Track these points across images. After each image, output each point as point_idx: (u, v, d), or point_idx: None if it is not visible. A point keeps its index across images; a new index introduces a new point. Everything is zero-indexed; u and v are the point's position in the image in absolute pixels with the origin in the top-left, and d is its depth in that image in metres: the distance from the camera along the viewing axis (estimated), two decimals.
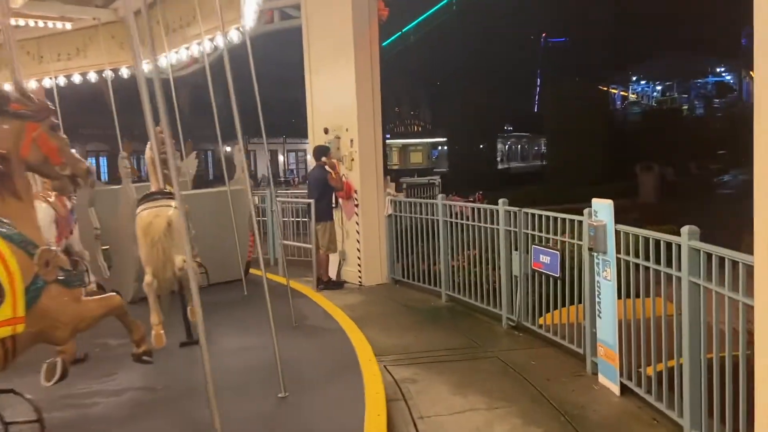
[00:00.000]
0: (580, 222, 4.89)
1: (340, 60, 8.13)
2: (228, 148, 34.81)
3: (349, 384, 4.15)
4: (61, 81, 9.44)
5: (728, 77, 61.28)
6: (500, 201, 5.98)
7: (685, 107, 52.62)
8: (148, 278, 4.08)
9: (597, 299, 4.52)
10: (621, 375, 4.33)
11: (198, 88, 28.68)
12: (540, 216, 5.44)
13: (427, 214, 7.41)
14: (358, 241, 8.18)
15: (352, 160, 8.17)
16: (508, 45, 61.01)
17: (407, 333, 5.94)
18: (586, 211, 4.76)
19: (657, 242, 3.97)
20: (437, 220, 7.17)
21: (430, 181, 22.73)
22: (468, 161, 24.22)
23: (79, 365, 4.16)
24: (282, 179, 39.92)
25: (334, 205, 8.47)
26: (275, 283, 7.42)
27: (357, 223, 8.17)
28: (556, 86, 24.14)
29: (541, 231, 5.42)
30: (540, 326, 5.53)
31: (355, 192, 8.15)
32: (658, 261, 3.94)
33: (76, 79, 9.42)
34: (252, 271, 7.65)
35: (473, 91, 25.05)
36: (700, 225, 3.70)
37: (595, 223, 4.37)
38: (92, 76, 9.32)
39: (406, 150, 55.94)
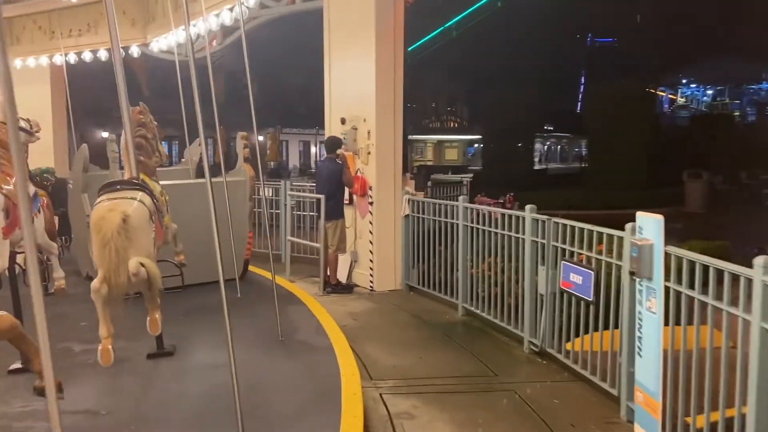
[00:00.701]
0: (621, 238, 4.07)
1: (361, 45, 7.43)
2: (261, 137, 34.61)
3: (321, 425, 3.44)
4: (72, 58, 8.97)
5: None
6: (527, 207, 5.19)
7: (737, 113, 50.15)
8: (96, 283, 3.46)
9: (638, 334, 3.71)
10: (664, 429, 3.53)
11: (225, 72, 28.40)
12: (573, 227, 4.64)
13: (446, 217, 6.65)
14: (371, 243, 7.47)
15: (369, 153, 7.45)
16: (552, 44, 59.27)
17: (413, 351, 5.20)
18: (628, 226, 3.94)
19: (713, 269, 3.15)
20: (457, 225, 6.42)
21: (463, 178, 21.82)
22: (503, 160, 23.16)
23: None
24: (313, 170, 39.49)
25: (347, 202, 7.79)
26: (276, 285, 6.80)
27: (371, 223, 7.46)
28: (601, 87, 22.84)
29: (573, 245, 4.63)
30: (567, 354, 4.73)
31: (370, 189, 7.44)
32: (710, 290, 3.14)
33: (87, 56, 8.92)
34: (256, 270, 7.02)
35: (513, 89, 24.00)
36: (750, 240, 2.88)
37: (639, 242, 3.56)
38: (103, 54, 8.81)
39: (440, 146, 55.03)
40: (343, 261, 7.87)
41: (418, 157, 53.20)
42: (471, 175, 31.55)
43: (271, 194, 9.55)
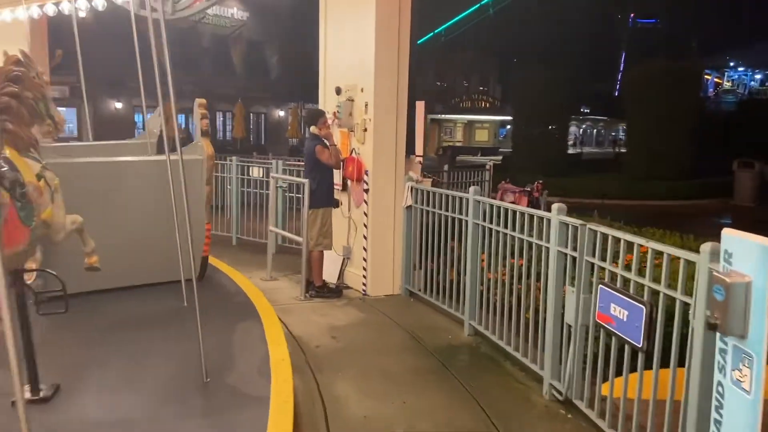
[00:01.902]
0: (691, 262, 2.76)
1: (360, 3, 6.15)
2: (282, 112, 33.46)
3: None
4: (35, 12, 7.85)
5: None
6: (554, 207, 3.88)
7: None
8: None
9: (714, 414, 2.43)
10: None
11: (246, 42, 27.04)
12: (618, 239, 3.33)
13: (454, 212, 5.38)
14: (365, 238, 6.25)
15: (365, 130, 6.19)
16: (592, 24, 56.79)
17: (396, 391, 3.97)
18: (706, 249, 2.62)
19: None
20: (466, 222, 5.14)
21: (488, 161, 20.39)
22: (535, 143, 21.55)
23: None
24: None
25: (339, 187, 6.57)
26: (239, 289, 5.63)
27: (365, 214, 6.23)
28: (642, 67, 20.95)
29: (616, 263, 3.33)
30: (603, 404, 3.45)
31: (366, 173, 6.20)
32: None
33: (49, 9, 7.79)
34: (223, 267, 5.86)
35: (549, 70, 22.33)
36: None
37: (728, 279, 2.24)
38: (66, 6, 7.66)
39: (471, 126, 53.23)
40: (334, 258, 6.67)
41: (447, 137, 51.69)
42: (500, 157, 30.12)
43: (262, 175, 8.38)
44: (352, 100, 6.37)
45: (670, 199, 17.76)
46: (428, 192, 5.90)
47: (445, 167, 10.39)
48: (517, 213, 4.39)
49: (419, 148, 11.65)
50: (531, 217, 4.21)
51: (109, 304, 4.69)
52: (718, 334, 2.35)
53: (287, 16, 25.33)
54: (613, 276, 3.33)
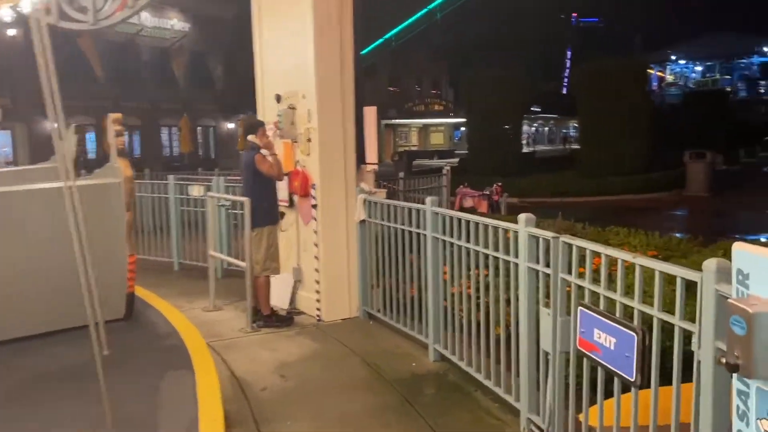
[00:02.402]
0: (691, 283, 2.33)
1: (296, 3, 5.64)
2: (231, 125, 32.49)
3: None
4: None
5: None
6: (521, 219, 3.42)
7: (728, 89, 48.71)
8: None
9: None
10: None
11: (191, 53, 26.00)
12: (597, 254, 2.90)
13: (411, 225, 4.90)
14: (317, 258, 5.71)
15: (309, 140, 5.66)
16: (536, 24, 57.68)
17: None
18: (711, 266, 2.18)
19: None
20: (425, 236, 4.67)
21: (445, 165, 20.11)
22: (490, 143, 21.37)
23: None
24: None
25: (285, 204, 6.03)
26: (171, 328, 4.99)
27: (315, 232, 5.69)
28: (590, 65, 21.01)
29: (597, 282, 2.89)
30: None
31: (313, 187, 5.66)
32: None
33: None
34: (157, 303, 5.22)
35: (499, 70, 22.22)
36: None
37: (750, 308, 1.80)
38: None
39: (426, 130, 53.20)
40: (283, 282, 6.11)
41: (403, 142, 51.47)
42: (457, 160, 29.93)
43: (202, 193, 7.74)
44: (294, 108, 5.84)
45: (626, 194, 17.76)
46: (382, 204, 5.40)
47: (401, 174, 9.92)
48: (480, 225, 3.93)
49: (372, 156, 11.12)
50: (496, 229, 3.76)
51: (15, 357, 4.03)
52: (736, 376, 1.92)
53: (230, 25, 24.57)
54: (595, 296, 2.90)
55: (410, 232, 4.91)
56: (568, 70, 62.89)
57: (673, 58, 61.34)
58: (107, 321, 4.40)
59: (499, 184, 10.26)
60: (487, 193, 9.91)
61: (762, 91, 48.22)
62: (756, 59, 56.01)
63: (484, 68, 22.53)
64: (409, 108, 49.01)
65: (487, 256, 3.89)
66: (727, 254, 5.84)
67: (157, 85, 27.53)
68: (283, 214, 6.04)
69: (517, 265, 3.51)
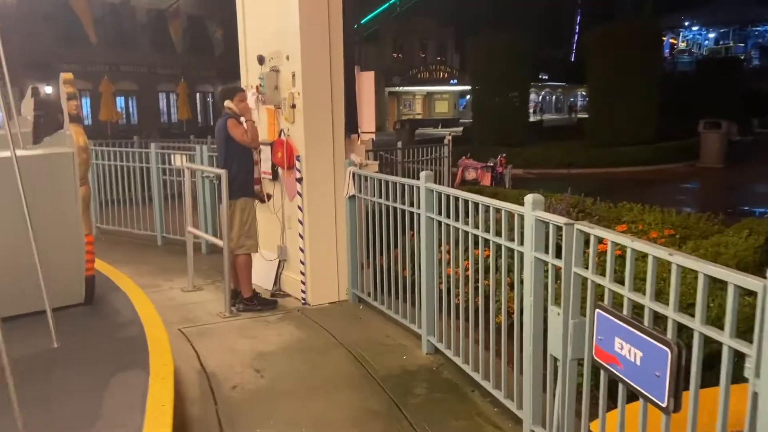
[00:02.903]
0: (748, 293, 1.81)
1: None
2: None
3: None
4: None
5: None
6: (527, 199, 2.89)
7: (742, 57, 47.32)
8: None
9: None
10: None
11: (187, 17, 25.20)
12: (621, 247, 2.38)
13: (403, 203, 4.39)
14: (301, 237, 5.21)
15: (293, 106, 5.11)
16: None
17: None
18: None
19: None
20: (418, 216, 4.16)
21: (447, 134, 19.52)
22: (496, 112, 20.63)
23: None
24: None
25: (268, 175, 5.52)
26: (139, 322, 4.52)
27: (300, 208, 5.18)
28: (601, 31, 20.09)
29: (622, 281, 2.37)
30: None
31: (297, 159, 5.13)
32: None
33: None
34: (122, 283, 4.74)
35: (505, 35, 21.33)
36: None
37: None
38: None
39: (430, 98, 52.15)
40: (267, 261, 5.64)
41: (406, 110, 50.52)
42: (461, 129, 29.18)
43: (185, 163, 7.22)
44: (278, 71, 5.27)
45: (636, 165, 17.12)
46: (372, 179, 4.87)
47: (399, 144, 9.35)
48: (480, 206, 3.41)
49: (370, 124, 10.50)
50: (498, 212, 3.24)
51: None
52: None
53: None
54: (618, 297, 2.39)
55: (403, 211, 4.40)
56: (576, 36, 61.36)
57: (686, 24, 59.66)
58: (64, 307, 3.96)
59: (503, 155, 9.69)
60: (491, 164, 9.35)
61: None
62: None
63: (491, 33, 21.55)
64: (414, 75, 47.93)
65: (487, 242, 3.38)
66: (754, 234, 5.25)
67: (154, 49, 26.78)
68: (269, 196, 5.54)
69: (522, 254, 3.00)
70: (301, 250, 5.20)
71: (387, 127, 43.16)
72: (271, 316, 4.97)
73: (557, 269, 2.72)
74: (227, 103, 5.02)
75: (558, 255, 2.72)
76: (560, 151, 17.80)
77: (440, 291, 4.03)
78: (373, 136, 10.51)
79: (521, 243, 3.00)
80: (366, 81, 9.94)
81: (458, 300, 3.82)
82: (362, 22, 51.84)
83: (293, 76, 5.06)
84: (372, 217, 4.87)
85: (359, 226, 5.13)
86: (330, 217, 5.21)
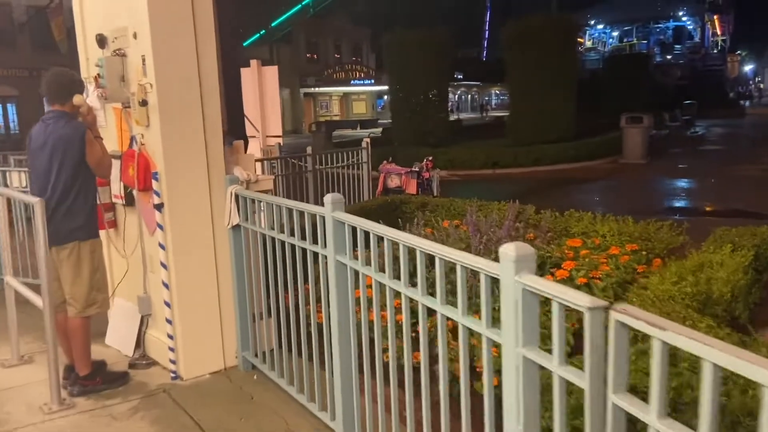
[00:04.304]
0: None
1: None
2: None
3: None
4: None
5: (689, 22, 58.01)
6: (505, 252, 1.64)
7: (646, 53, 49.15)
8: None
9: None
10: None
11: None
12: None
13: (303, 238, 3.03)
14: (166, 286, 3.74)
15: (144, 103, 3.63)
16: None
17: None
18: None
19: None
20: (324, 258, 2.82)
21: (372, 133, 18.30)
22: (415, 111, 19.62)
23: None
24: None
25: (120, 200, 4.03)
26: None
27: (162, 246, 3.71)
28: (517, 27, 19.47)
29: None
30: None
31: (155, 177, 3.65)
32: None
33: None
34: None
35: (421, 32, 20.36)
36: None
37: None
38: None
39: (348, 99, 50.87)
40: (126, 316, 4.13)
41: (324, 111, 48.96)
42: (380, 129, 28.08)
43: (25, 184, 5.54)
44: (124, 55, 3.78)
45: (560, 163, 16.55)
46: (260, 202, 3.48)
47: (309, 149, 7.95)
48: (419, 253, 2.11)
49: (276, 127, 8.98)
50: (475, 274, 1.95)
51: None
52: None
53: None
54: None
55: (304, 250, 3.05)
56: (487, 34, 62.09)
57: (591, 22, 61.54)
58: None
59: (430, 158, 8.52)
60: (416, 169, 8.16)
61: (678, 54, 48.99)
62: (671, 23, 56.92)
63: (407, 30, 20.52)
64: (329, 75, 46.54)
65: (444, 320, 2.09)
66: (737, 249, 4.04)
67: (36, 49, 24.04)
68: (112, 223, 4.04)
69: (501, 345, 1.73)
70: (167, 305, 3.73)
71: (304, 129, 41.57)
72: (120, 404, 3.47)
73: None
74: (78, 99, 3.51)
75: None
76: (484, 151, 16.98)
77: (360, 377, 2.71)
78: (280, 140, 9.08)
79: (490, 325, 1.73)
80: (270, 77, 8.40)
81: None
82: (273, 24, 49.97)
83: (143, 60, 3.59)
84: (266, 254, 3.48)
85: (249, 267, 3.72)
86: (207, 255, 3.77)
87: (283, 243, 3.24)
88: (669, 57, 49.72)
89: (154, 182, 3.61)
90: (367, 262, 2.54)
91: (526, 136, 17.78)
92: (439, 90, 20.81)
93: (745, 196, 10.68)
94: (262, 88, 8.72)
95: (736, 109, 39.93)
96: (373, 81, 47.62)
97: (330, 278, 2.79)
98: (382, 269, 2.39)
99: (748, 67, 71.06)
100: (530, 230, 5.43)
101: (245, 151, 4.26)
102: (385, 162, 8.66)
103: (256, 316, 3.73)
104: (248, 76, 8.41)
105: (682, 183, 12.80)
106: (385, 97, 44.83)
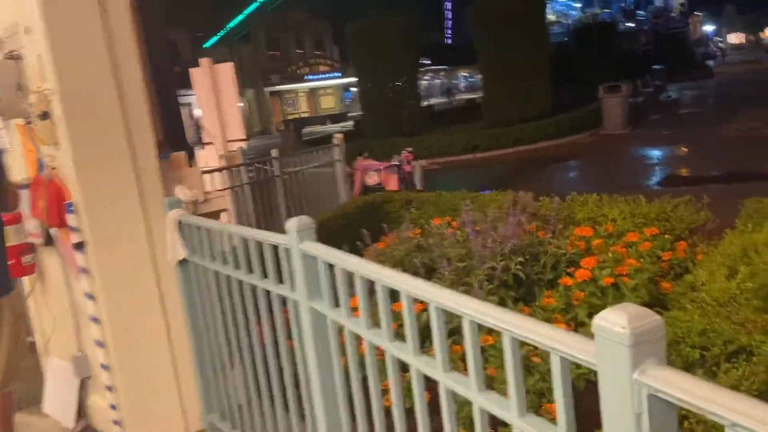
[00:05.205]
0: None
1: None
2: None
3: None
4: None
5: None
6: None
7: (610, 22, 48.80)
8: None
9: None
10: None
11: None
12: None
13: (264, 277, 2.28)
14: (99, 345, 2.96)
15: (44, 116, 2.83)
16: None
17: None
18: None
19: None
20: (295, 303, 2.08)
21: (343, 128, 17.48)
22: (386, 101, 18.84)
23: None
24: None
25: (39, 239, 3.23)
26: None
27: (89, 296, 2.92)
28: (483, 7, 18.77)
29: None
30: None
31: (70, 209, 2.86)
32: None
33: None
34: None
35: (386, 18, 19.55)
36: None
37: None
38: None
39: (315, 94, 49.75)
40: (62, 380, 3.35)
41: (292, 109, 47.80)
42: (351, 122, 27.29)
43: None
44: (19, 58, 2.97)
45: (541, 141, 15.96)
46: (209, 230, 2.70)
47: (274, 152, 7.15)
48: (433, 310, 1.38)
49: (237, 129, 8.16)
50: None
51: None
52: None
53: None
54: None
55: (267, 292, 2.30)
56: (451, 17, 61.47)
57: None
58: None
59: (409, 149, 7.77)
60: (396, 163, 7.41)
61: (641, 20, 48.86)
62: None
63: (371, 19, 19.70)
64: (293, 72, 45.46)
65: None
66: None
67: None
68: (33, 267, 3.24)
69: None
70: (104, 368, 2.95)
71: (272, 129, 40.54)
72: None
73: None
74: None
75: None
76: (463, 135, 16.31)
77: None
78: (243, 144, 8.23)
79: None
80: (225, 76, 7.56)
81: None
82: (231, 24, 48.67)
83: (39, 61, 2.79)
84: (223, 293, 2.71)
85: (204, 309, 2.95)
86: (149, 301, 2.99)
87: (241, 282, 2.48)
88: (633, 24, 49.47)
89: (69, 216, 2.82)
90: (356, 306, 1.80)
91: (504, 116, 17.15)
92: (409, 76, 20.07)
93: (739, 158, 10.17)
94: (217, 88, 7.93)
95: (704, 70, 39.78)
96: (340, 74, 46.68)
97: (304, 329, 2.05)
98: (376, 322, 1.66)
99: (709, 28, 71.39)
100: (532, 221, 4.75)
101: (190, 164, 3.47)
102: (360, 158, 7.89)
103: (217, 368, 2.97)
104: (200, 77, 7.60)
105: (672, 150, 12.25)
106: (352, 89, 43.86)
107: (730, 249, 3.62)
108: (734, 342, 2.35)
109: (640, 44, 43.41)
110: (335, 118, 41.05)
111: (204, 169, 4.91)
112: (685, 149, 11.62)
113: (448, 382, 1.34)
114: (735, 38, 66.84)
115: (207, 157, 5.92)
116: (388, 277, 1.50)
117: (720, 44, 71.93)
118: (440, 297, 1.31)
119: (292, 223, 1.98)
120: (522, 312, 3.44)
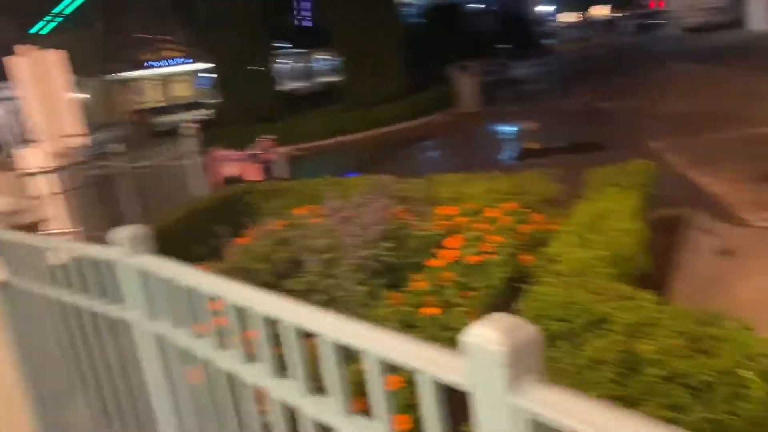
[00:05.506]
0: None
1: None
2: None
3: None
4: None
5: None
6: None
7: (457, 3, 50.71)
8: None
9: None
10: None
11: None
12: None
13: (99, 294, 1.98)
14: None
15: None
16: None
17: None
18: None
19: None
20: (127, 326, 1.81)
21: (198, 117, 16.63)
22: (241, 86, 18.15)
23: None
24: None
25: None
26: None
27: None
28: None
29: None
30: None
31: None
32: None
33: None
34: None
35: (233, 5, 18.73)
36: None
37: None
38: None
39: (167, 82, 46.88)
40: None
41: (141, 99, 44.63)
42: (210, 111, 26.01)
43: None
44: None
45: (400, 122, 16.22)
46: (27, 246, 2.30)
47: (111, 146, 6.48)
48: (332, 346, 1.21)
49: (74, 124, 7.44)
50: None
51: None
52: None
53: None
54: None
55: (98, 315, 1.99)
56: (308, 2, 60.60)
57: None
58: None
59: (270, 137, 7.45)
60: (255, 152, 7.06)
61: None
62: None
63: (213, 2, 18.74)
64: (141, 58, 42.50)
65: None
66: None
67: None
68: None
69: None
70: None
71: (121, 121, 37.72)
72: None
73: None
74: None
75: None
76: (323, 119, 16.15)
77: None
78: (86, 139, 7.43)
79: None
80: (56, 65, 6.87)
81: None
82: (60, 7, 44.35)
83: None
84: (56, 314, 2.34)
85: (36, 337, 2.54)
86: None
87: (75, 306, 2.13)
88: (483, 5, 51.69)
89: None
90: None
91: (362, 98, 17.22)
92: (262, 59, 19.47)
93: (579, 130, 10.97)
94: (45, 79, 7.10)
95: (544, 49, 42.75)
96: (191, 60, 44.35)
97: (142, 353, 1.79)
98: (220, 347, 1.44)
99: (549, 8, 76.54)
100: (397, 204, 4.72)
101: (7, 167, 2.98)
102: (214, 149, 7.43)
103: (59, 401, 2.59)
104: (23, 67, 6.75)
105: (522, 125, 12.97)
106: (206, 75, 41.87)
107: (581, 218, 3.80)
108: (592, 312, 2.42)
109: (489, 24, 45.55)
110: (190, 107, 39.05)
111: (26, 171, 4.31)
112: (534, 123, 12.35)
113: (311, 408, 1.17)
114: (567, 17, 72.31)
115: (32, 157, 5.22)
116: (234, 293, 1.30)
117: (556, 23, 77.50)
118: (294, 315, 1.13)
119: (122, 234, 1.70)
120: (393, 298, 3.36)
